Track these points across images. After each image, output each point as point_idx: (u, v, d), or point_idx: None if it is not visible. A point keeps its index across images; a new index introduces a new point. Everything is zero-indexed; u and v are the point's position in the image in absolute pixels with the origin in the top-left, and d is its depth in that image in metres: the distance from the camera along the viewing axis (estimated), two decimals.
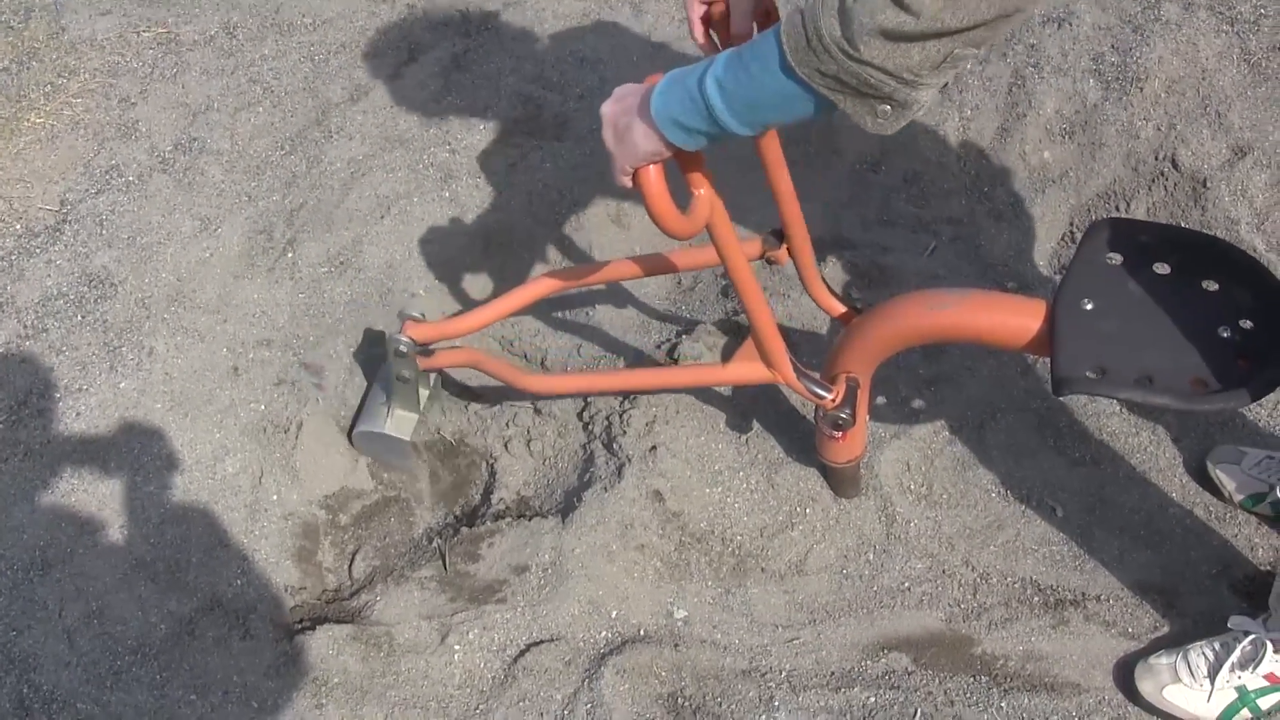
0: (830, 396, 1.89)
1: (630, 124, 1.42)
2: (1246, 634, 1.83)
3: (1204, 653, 1.85)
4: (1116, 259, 1.71)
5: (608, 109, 1.46)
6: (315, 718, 1.95)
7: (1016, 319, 1.69)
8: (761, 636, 2.05)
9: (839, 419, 1.89)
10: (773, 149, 1.80)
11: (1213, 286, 1.66)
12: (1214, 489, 2.15)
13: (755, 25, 1.66)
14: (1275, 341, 1.57)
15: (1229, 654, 1.83)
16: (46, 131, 2.97)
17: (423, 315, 2.18)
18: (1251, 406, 2.11)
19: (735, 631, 2.06)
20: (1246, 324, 1.59)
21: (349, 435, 2.37)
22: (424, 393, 2.35)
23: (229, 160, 2.85)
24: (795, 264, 2.02)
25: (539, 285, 2.10)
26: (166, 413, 2.34)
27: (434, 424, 2.39)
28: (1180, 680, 1.84)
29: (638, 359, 2.42)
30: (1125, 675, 1.92)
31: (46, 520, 2.19)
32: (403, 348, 2.12)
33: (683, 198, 1.52)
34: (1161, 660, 1.88)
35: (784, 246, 2.00)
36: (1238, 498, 2.12)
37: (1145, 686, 1.87)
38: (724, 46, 1.71)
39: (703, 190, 1.54)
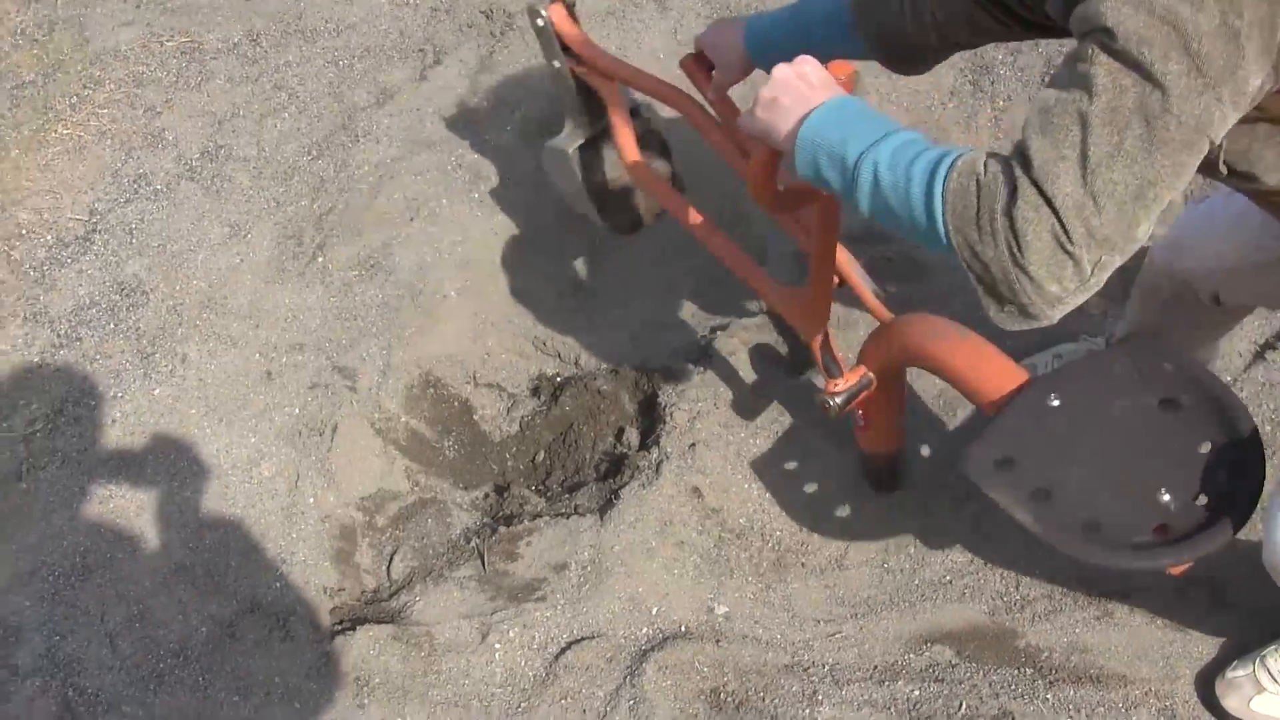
0: (834, 380, 1.87)
1: (786, 113, 1.39)
2: None
3: None
4: (1120, 372, 1.59)
5: (785, 75, 1.40)
6: (357, 717, 1.95)
7: (983, 379, 1.64)
8: (803, 631, 2.04)
9: (826, 401, 1.86)
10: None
11: (1206, 448, 1.56)
12: None
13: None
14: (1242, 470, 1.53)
15: None
16: (74, 142, 2.98)
17: (573, 5, 2.07)
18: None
19: (777, 626, 2.05)
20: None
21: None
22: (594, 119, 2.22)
23: (256, 166, 2.86)
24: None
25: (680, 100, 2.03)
26: (201, 418, 2.35)
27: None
28: (1265, 689, 1.82)
29: (671, 354, 2.41)
30: (1206, 690, 1.89)
31: (86, 527, 2.20)
32: (540, 21, 2.03)
33: None
34: (1239, 673, 1.85)
35: None
36: None
37: (1231, 703, 1.85)
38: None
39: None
